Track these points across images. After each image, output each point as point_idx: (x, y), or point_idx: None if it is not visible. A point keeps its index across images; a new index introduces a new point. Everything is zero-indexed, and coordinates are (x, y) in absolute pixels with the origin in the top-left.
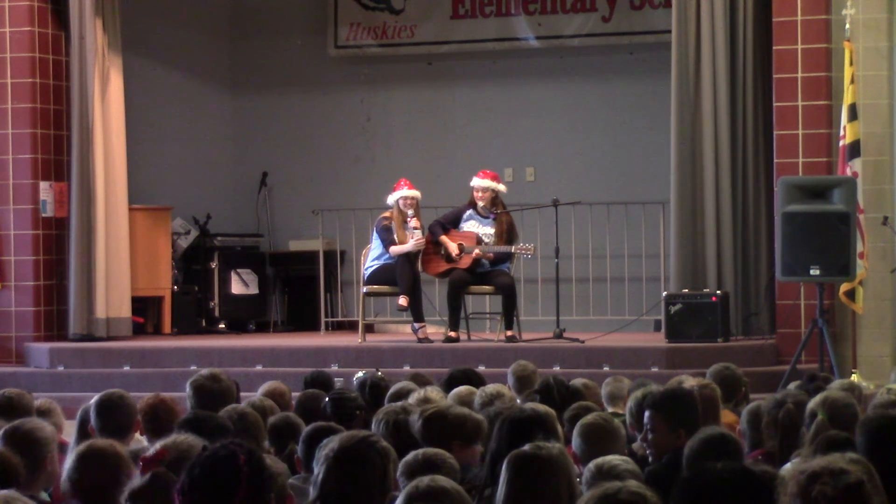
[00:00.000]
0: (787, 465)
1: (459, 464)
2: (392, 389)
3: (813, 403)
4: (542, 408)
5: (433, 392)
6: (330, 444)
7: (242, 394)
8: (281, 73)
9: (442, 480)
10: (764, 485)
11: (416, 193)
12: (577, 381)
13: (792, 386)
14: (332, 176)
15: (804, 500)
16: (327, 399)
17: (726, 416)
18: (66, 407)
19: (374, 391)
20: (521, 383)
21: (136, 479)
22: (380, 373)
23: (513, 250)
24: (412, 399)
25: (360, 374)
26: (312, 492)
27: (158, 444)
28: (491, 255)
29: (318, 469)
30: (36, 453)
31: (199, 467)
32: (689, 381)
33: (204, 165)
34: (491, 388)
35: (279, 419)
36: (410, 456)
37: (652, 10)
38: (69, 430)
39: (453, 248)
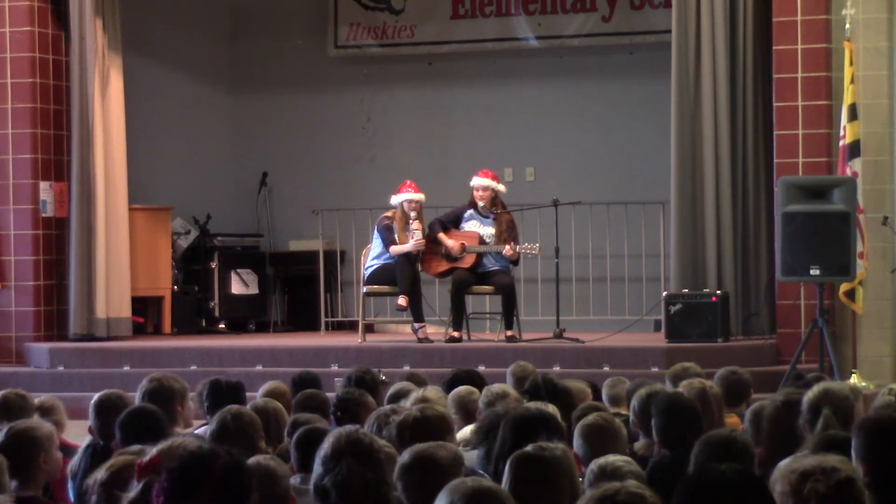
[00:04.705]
0: (781, 464)
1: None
2: (391, 390)
3: (814, 398)
4: (547, 408)
5: (431, 392)
6: (332, 444)
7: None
8: (281, 73)
9: (484, 481)
10: (766, 487)
11: (420, 197)
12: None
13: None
14: (332, 176)
15: (796, 499)
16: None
17: (728, 419)
18: (67, 407)
19: (360, 384)
20: (521, 384)
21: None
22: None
23: (518, 250)
24: (409, 401)
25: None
26: (333, 494)
27: (154, 450)
28: (509, 248)
29: (332, 469)
30: (28, 452)
31: (176, 462)
32: (694, 383)
33: (204, 165)
34: (496, 387)
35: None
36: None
37: (652, 9)
38: (71, 430)
39: (451, 244)
